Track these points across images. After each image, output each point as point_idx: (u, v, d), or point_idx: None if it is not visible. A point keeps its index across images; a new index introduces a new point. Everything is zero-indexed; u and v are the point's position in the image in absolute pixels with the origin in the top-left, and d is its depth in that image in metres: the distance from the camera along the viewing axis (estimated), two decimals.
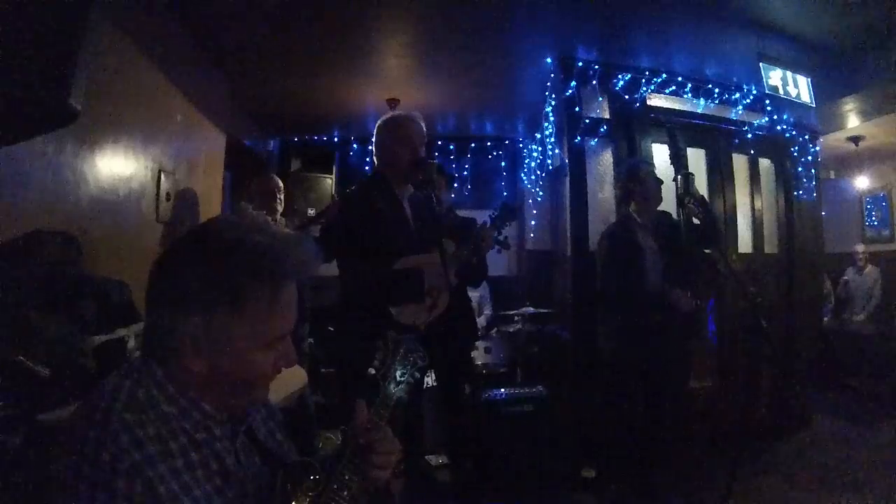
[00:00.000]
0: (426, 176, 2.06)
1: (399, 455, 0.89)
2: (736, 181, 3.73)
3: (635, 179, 2.76)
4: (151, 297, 0.79)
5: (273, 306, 0.79)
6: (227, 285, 0.76)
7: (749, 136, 3.70)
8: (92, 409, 0.73)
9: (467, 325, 2.93)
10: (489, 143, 5.32)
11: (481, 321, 4.42)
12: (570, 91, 3.37)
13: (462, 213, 3.26)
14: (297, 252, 0.80)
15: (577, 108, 3.36)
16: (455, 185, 3.64)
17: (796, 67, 3.34)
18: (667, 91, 3.55)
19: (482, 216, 2.89)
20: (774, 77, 3.26)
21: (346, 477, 0.84)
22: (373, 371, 0.90)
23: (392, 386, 0.90)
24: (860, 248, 5.52)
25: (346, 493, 0.83)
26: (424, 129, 2.17)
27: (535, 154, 4.65)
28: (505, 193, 5.43)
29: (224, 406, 0.82)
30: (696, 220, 2.54)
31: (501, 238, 2.29)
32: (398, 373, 0.91)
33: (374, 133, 2.21)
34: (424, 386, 3.05)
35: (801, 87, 3.38)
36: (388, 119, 2.22)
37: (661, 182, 2.77)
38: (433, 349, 2.66)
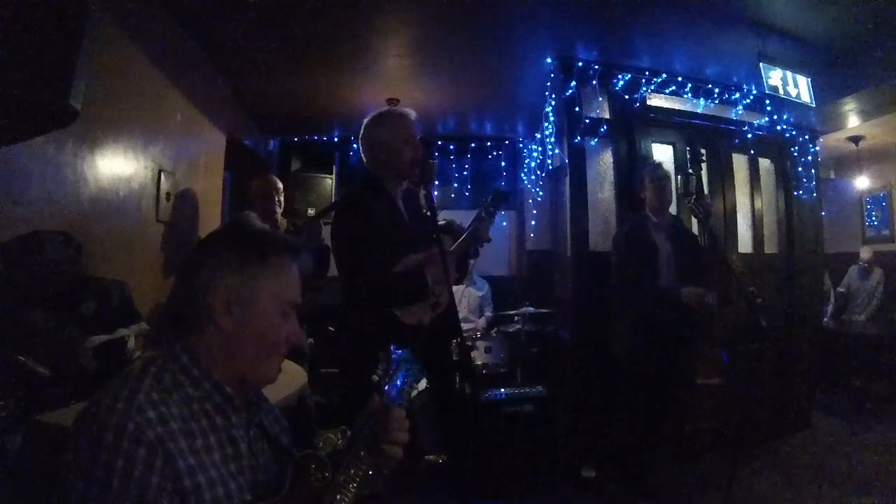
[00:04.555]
0: (428, 173, 2.04)
1: (407, 430, 0.97)
2: (736, 181, 3.73)
3: (650, 182, 2.80)
4: (188, 270, 0.89)
5: (288, 270, 0.93)
6: (257, 246, 0.91)
7: (749, 136, 3.70)
8: (119, 387, 0.77)
9: (450, 323, 2.91)
10: (489, 143, 5.31)
11: (481, 322, 4.42)
12: (570, 91, 3.37)
13: (461, 213, 3.25)
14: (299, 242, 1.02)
15: (577, 108, 3.36)
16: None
17: (796, 67, 3.34)
18: (667, 91, 3.55)
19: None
20: (774, 77, 3.25)
21: (352, 471, 0.90)
22: (376, 378, 0.98)
23: (393, 393, 0.98)
24: (866, 253, 5.47)
25: (351, 485, 0.88)
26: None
27: (535, 154, 4.65)
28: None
29: (243, 384, 0.89)
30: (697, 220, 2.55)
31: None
32: (398, 382, 0.99)
33: (368, 129, 2.08)
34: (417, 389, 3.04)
35: (801, 87, 3.38)
36: (386, 114, 2.11)
37: (668, 185, 2.80)
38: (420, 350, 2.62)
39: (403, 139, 2.04)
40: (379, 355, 0.99)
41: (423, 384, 1.00)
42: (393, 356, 1.00)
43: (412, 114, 2.11)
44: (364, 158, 2.12)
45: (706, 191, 2.64)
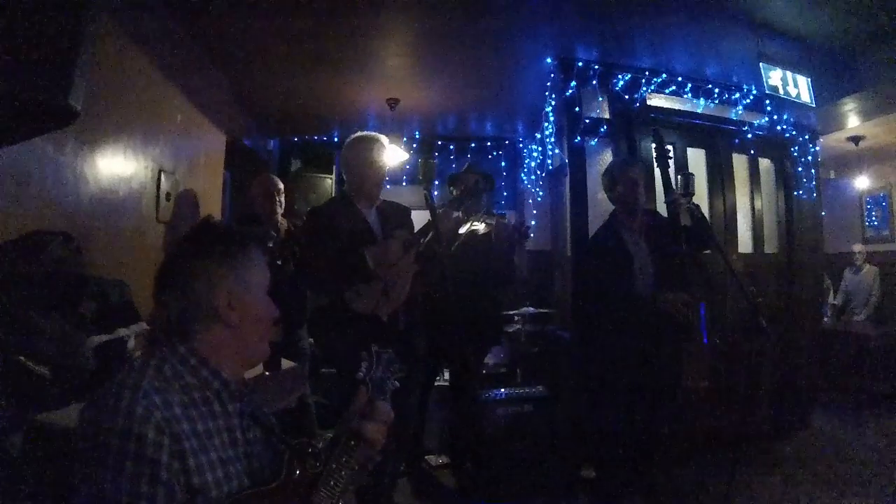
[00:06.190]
0: (428, 173, 2.12)
1: (391, 420, 1.04)
2: (736, 181, 3.73)
3: (616, 180, 2.71)
4: (178, 282, 0.91)
5: (261, 257, 1.00)
6: (236, 243, 0.97)
7: (749, 136, 3.70)
8: (123, 379, 0.82)
9: (492, 330, 2.95)
10: (489, 143, 5.31)
11: None
12: (570, 91, 3.37)
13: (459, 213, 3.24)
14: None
15: (577, 108, 3.35)
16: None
17: (796, 67, 3.34)
18: (667, 91, 3.54)
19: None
20: (774, 77, 3.25)
21: (343, 459, 0.95)
22: (361, 374, 1.05)
23: (376, 389, 1.05)
24: (858, 247, 5.52)
25: (343, 472, 0.94)
26: None
27: (535, 154, 4.65)
28: (505, 194, 5.43)
29: (240, 366, 0.96)
30: (687, 221, 2.50)
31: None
32: (381, 379, 1.07)
33: (343, 151, 2.30)
34: (436, 382, 3.08)
35: (801, 87, 3.38)
36: (357, 139, 2.31)
37: (637, 182, 2.72)
38: (452, 349, 2.72)
39: (366, 164, 2.24)
40: (363, 354, 1.08)
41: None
42: (376, 355, 1.08)
43: (383, 140, 2.31)
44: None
45: (676, 187, 2.56)
